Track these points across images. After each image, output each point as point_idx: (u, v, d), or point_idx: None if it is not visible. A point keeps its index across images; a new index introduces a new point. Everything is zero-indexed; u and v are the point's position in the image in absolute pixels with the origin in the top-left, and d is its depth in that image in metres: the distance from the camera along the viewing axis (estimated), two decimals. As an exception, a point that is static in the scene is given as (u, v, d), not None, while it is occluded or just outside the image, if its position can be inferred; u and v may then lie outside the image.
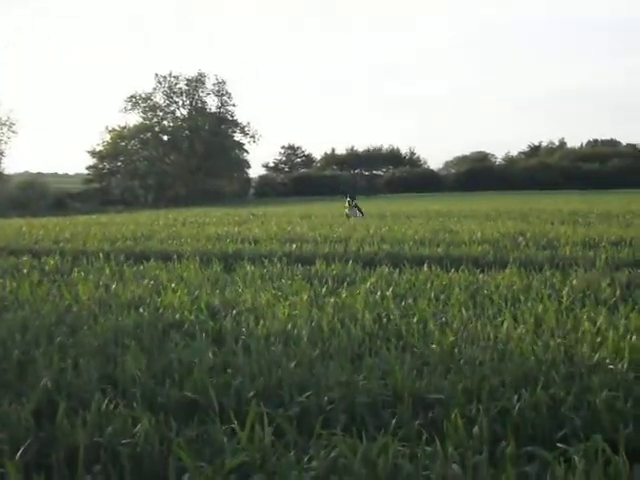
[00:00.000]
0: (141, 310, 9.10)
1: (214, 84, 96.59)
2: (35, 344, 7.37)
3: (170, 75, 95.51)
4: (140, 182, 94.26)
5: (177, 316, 8.68)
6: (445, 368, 6.37)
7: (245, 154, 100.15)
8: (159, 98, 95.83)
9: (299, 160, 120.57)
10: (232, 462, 4.54)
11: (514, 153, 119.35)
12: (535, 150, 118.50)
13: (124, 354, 6.93)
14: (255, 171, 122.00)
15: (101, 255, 14.99)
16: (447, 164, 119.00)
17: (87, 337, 7.57)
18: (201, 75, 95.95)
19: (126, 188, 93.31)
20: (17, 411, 5.29)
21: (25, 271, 13.04)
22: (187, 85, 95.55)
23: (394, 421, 5.26)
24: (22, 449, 4.69)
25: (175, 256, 14.72)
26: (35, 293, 10.40)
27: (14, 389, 5.97)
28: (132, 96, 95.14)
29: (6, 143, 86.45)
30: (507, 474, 4.32)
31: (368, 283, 11.03)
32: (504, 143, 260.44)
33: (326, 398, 5.68)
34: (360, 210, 30.59)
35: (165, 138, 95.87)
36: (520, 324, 7.86)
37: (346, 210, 30.59)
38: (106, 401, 5.42)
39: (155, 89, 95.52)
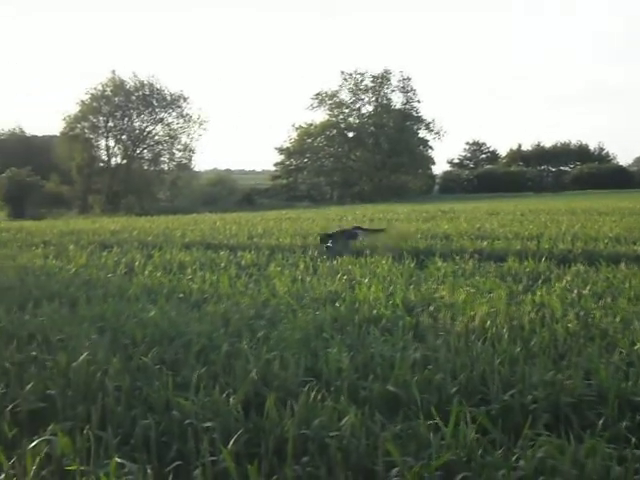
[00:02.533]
0: (337, 304, 9.18)
1: (399, 81, 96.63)
2: (238, 337, 7.55)
3: (356, 72, 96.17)
4: (326, 178, 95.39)
5: (374, 311, 8.71)
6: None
7: (430, 150, 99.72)
8: (345, 95, 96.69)
9: (484, 156, 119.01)
10: (439, 460, 4.52)
11: None
12: None
13: (325, 347, 7.01)
14: (439, 167, 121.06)
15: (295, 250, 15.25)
16: (638, 160, 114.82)
17: (288, 331, 7.68)
18: (386, 72, 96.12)
19: (312, 184, 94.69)
20: (227, 401, 5.42)
21: (223, 265, 13.40)
22: (373, 82, 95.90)
23: (601, 422, 5.12)
24: (234, 438, 4.80)
25: (367, 252, 14.80)
26: (234, 287, 10.66)
27: (222, 380, 6.11)
28: (318, 93, 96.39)
29: (197, 140, 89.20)
30: None
31: (564, 281, 10.77)
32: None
33: (530, 397, 5.58)
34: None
35: (350, 135, 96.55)
36: None
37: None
38: (312, 394, 5.49)
39: (341, 86, 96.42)
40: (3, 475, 4.49)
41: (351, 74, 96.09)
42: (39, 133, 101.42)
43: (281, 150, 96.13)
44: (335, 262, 13.48)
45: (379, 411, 5.34)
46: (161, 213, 49.91)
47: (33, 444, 4.69)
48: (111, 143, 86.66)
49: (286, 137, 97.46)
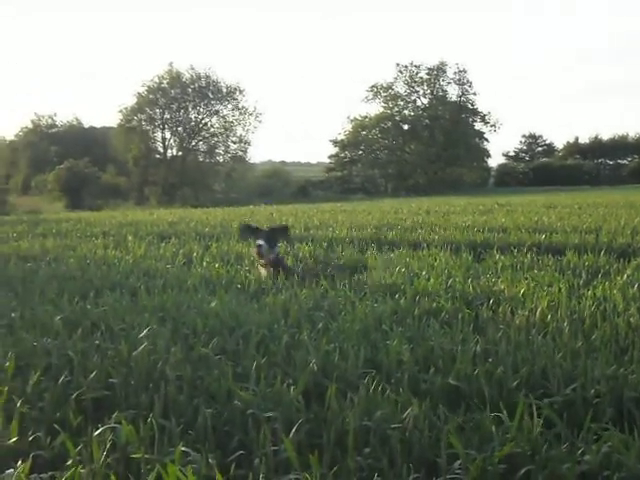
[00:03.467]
0: (397, 297, 9.18)
1: (455, 73, 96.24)
2: (297, 328, 7.58)
3: (411, 64, 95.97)
4: (380, 171, 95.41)
5: (434, 304, 8.69)
6: None
7: (485, 143, 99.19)
8: (400, 87, 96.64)
9: (540, 149, 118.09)
10: (502, 451, 4.50)
11: None
12: None
13: (385, 339, 7.01)
14: (495, 160, 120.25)
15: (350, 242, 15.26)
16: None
17: (347, 322, 7.69)
18: (442, 64, 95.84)
19: (366, 177, 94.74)
20: (287, 392, 5.45)
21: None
22: (428, 74, 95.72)
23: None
24: (295, 428, 4.82)
25: (425, 244, 14.78)
26: (291, 278, 10.69)
27: (282, 371, 6.14)
28: (374, 86, 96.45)
29: (252, 133, 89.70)
30: None
31: (624, 275, 10.65)
32: None
33: (593, 391, 5.53)
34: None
35: (405, 127, 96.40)
36: None
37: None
38: (373, 385, 5.50)
39: (396, 78, 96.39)
40: (70, 461, 4.55)
41: (406, 66, 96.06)
42: (97, 125, 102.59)
43: (336, 142, 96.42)
44: (392, 255, 13.42)
45: (441, 404, 5.33)
46: (216, 205, 50.29)
47: (98, 432, 4.74)
48: (167, 135, 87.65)
49: (341, 129, 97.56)
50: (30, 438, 4.95)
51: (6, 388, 5.61)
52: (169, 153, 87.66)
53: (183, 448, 4.48)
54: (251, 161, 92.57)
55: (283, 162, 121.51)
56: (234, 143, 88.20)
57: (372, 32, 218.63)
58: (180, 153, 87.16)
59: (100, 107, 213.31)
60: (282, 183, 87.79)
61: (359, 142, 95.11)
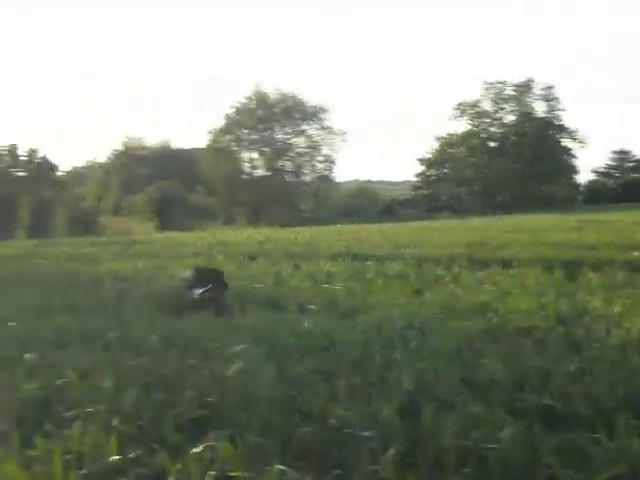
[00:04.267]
0: (488, 315, 9.12)
1: (542, 89, 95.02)
2: (391, 347, 7.57)
3: (497, 82, 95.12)
4: (467, 188, 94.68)
5: (526, 322, 8.61)
6: None
7: (573, 159, 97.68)
8: (486, 105, 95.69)
9: (630, 165, 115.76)
10: (604, 473, 4.44)
11: None
12: None
13: (478, 358, 6.97)
14: (583, 177, 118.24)
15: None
16: None
17: (439, 341, 7.67)
18: (529, 81, 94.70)
19: (453, 195, 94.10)
20: (383, 411, 5.45)
21: (369, 275, 13.46)
22: (515, 91, 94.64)
23: None
24: (393, 448, 4.81)
25: (515, 262, 14.65)
26: (382, 297, 10.70)
27: (377, 390, 6.15)
28: (460, 104, 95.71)
29: (337, 152, 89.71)
30: None
31: None
32: None
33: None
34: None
35: (492, 144, 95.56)
36: None
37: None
38: (469, 405, 5.47)
39: (482, 96, 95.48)
40: (170, 479, 4.62)
41: (492, 83, 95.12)
42: (186, 146, 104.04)
43: (422, 161, 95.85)
44: (481, 273, 13.33)
45: (536, 423, 5.28)
46: (303, 224, 50.43)
47: (197, 449, 4.81)
48: (254, 155, 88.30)
49: (427, 148, 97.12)
50: (130, 455, 5.03)
51: (105, 407, 5.72)
52: (256, 173, 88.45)
53: (281, 466, 4.52)
54: (337, 180, 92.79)
55: (369, 181, 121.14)
56: (320, 162, 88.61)
57: (458, 51, 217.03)
58: (267, 173, 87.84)
59: (188, 129, 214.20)
60: (368, 202, 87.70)
61: (445, 160, 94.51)
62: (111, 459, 4.93)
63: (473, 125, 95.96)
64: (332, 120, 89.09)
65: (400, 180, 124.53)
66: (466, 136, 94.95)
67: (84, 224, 56.35)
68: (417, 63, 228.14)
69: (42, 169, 63.21)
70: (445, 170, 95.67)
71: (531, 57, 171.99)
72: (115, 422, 5.37)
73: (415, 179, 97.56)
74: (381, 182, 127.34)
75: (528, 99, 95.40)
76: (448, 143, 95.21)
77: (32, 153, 63.37)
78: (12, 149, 62.18)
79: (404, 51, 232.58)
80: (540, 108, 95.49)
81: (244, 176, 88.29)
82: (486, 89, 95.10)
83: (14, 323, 9.41)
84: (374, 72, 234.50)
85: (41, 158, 63.65)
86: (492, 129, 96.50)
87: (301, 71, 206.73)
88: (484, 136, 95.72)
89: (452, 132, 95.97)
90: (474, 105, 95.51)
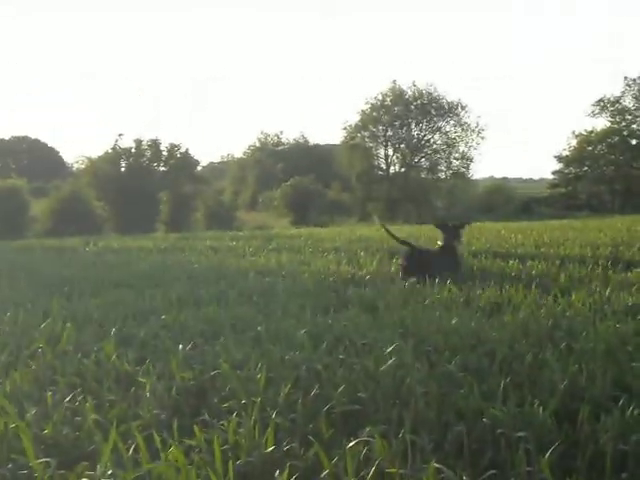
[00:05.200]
0: (639, 318, 8.92)
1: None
2: (539, 347, 7.50)
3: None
4: (607, 187, 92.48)
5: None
6: None
7: None
8: (628, 101, 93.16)
9: None
10: None
11: None
12: None
13: (631, 360, 6.84)
14: None
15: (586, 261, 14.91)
16: None
17: (590, 342, 7.54)
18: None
19: (592, 193, 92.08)
20: (537, 412, 5.41)
21: (513, 274, 13.31)
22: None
23: None
24: (550, 450, 4.77)
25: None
26: (527, 297, 10.56)
27: (528, 390, 6.10)
28: (600, 100, 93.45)
29: (475, 149, 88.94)
30: None
31: None
32: None
33: None
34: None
35: (633, 142, 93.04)
36: None
37: None
38: (630, 408, 5.37)
39: (624, 92, 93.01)
40: (325, 472, 4.69)
41: (635, 80, 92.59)
42: (321, 142, 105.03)
43: (560, 158, 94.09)
44: (629, 274, 13.02)
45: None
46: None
47: (351, 444, 4.86)
48: (390, 152, 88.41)
49: (565, 145, 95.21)
50: (285, 448, 5.13)
51: (259, 399, 5.84)
52: (392, 170, 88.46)
53: (436, 465, 4.53)
54: (473, 177, 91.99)
55: (505, 178, 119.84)
56: (456, 160, 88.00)
57: (600, 44, 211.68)
58: (402, 169, 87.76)
59: (325, 125, 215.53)
60: (504, 199, 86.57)
61: (584, 158, 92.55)
62: (267, 450, 5.04)
63: (614, 122, 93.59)
64: (470, 117, 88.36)
65: (537, 178, 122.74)
66: (606, 133, 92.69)
67: (222, 219, 57.28)
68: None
69: (183, 164, 64.56)
70: (584, 168, 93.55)
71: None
72: (272, 415, 5.47)
73: (552, 177, 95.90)
74: (517, 179, 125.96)
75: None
76: (587, 140, 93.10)
77: (173, 148, 64.71)
78: (155, 143, 63.63)
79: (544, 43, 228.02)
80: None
81: (380, 172, 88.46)
82: (628, 85, 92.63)
83: (164, 316, 9.71)
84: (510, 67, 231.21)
85: (182, 153, 64.96)
86: (634, 126, 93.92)
87: (435, 67, 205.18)
88: (625, 133, 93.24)
89: (591, 129, 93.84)
90: (615, 102, 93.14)
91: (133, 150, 62.69)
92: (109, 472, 4.61)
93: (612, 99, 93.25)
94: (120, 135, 62.62)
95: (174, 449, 4.73)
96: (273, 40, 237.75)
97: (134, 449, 4.94)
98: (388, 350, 7.15)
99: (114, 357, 7.41)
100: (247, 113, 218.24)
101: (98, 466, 4.69)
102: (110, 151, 62.00)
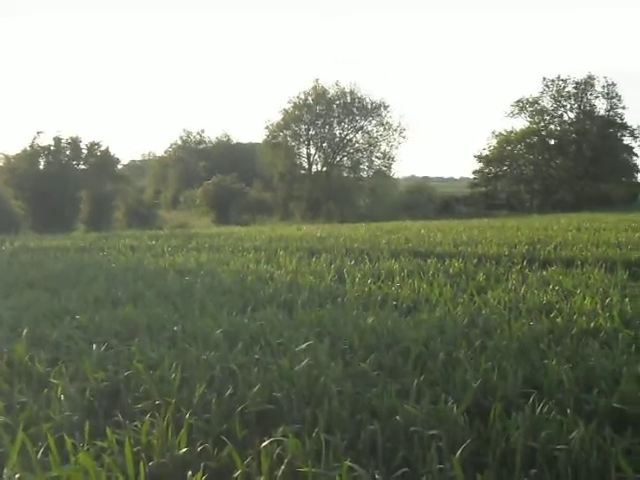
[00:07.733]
0: (552, 315, 9.05)
1: (603, 86, 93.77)
2: (454, 345, 7.56)
3: (558, 79, 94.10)
4: (525, 187, 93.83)
5: (591, 323, 8.53)
6: None
7: (635, 158, 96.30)
8: (546, 102, 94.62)
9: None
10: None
11: None
12: None
13: (543, 359, 6.94)
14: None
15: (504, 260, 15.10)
16: None
17: (504, 341, 7.63)
18: (590, 78, 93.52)
19: (511, 192, 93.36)
20: (450, 410, 5.45)
21: (431, 273, 13.41)
22: (575, 88, 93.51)
23: None
24: (461, 448, 4.81)
25: (578, 262, 14.49)
26: (444, 295, 10.66)
27: (441, 388, 6.15)
28: (519, 100, 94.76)
29: (396, 148, 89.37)
30: None
31: None
32: None
33: None
34: None
35: (551, 142, 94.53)
36: None
37: None
38: (539, 406, 5.45)
39: (542, 93, 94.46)
40: (238, 472, 4.66)
41: (553, 80, 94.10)
42: (243, 140, 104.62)
43: (480, 158, 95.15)
44: (544, 272, 13.25)
45: (606, 426, 5.24)
46: (361, 220, 50.41)
47: (265, 444, 4.84)
48: (312, 151, 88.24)
49: (485, 145, 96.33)
50: (199, 449, 5.09)
51: (174, 399, 5.79)
52: (314, 168, 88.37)
53: (349, 463, 4.53)
54: (395, 176, 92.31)
55: (426, 177, 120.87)
56: (378, 159, 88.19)
57: (519, 46, 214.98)
58: (325, 169, 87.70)
59: (247, 123, 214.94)
60: (425, 199, 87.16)
61: (504, 157, 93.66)
62: (181, 452, 4.99)
63: (532, 122, 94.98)
64: (392, 117, 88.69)
65: (457, 177, 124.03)
66: (525, 133, 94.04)
67: (143, 217, 56.73)
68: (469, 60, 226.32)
69: (103, 162, 63.57)
70: (504, 168, 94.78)
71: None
72: (185, 416, 5.43)
73: (473, 176, 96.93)
74: (439, 179, 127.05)
75: (590, 96, 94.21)
76: (506, 140, 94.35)
77: (93, 146, 63.70)
78: (74, 141, 62.55)
79: (462, 46, 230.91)
80: (601, 106, 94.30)
81: (302, 171, 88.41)
82: (547, 86, 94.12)
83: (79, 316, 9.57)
84: (436, 66, 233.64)
85: (103, 151, 63.97)
86: (552, 127, 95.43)
87: (359, 64, 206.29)
88: (544, 134, 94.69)
89: (511, 129, 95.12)
90: (534, 102, 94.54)
91: (52, 148, 61.48)
92: (16, 476, 4.51)
93: (531, 99, 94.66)
94: (39, 132, 61.34)
95: (83, 453, 4.65)
96: (195, 37, 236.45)
97: (43, 452, 4.85)
98: (301, 348, 7.16)
99: (26, 358, 7.29)
100: (169, 111, 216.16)
101: (5, 469, 4.60)
102: (28, 149, 60.72)
